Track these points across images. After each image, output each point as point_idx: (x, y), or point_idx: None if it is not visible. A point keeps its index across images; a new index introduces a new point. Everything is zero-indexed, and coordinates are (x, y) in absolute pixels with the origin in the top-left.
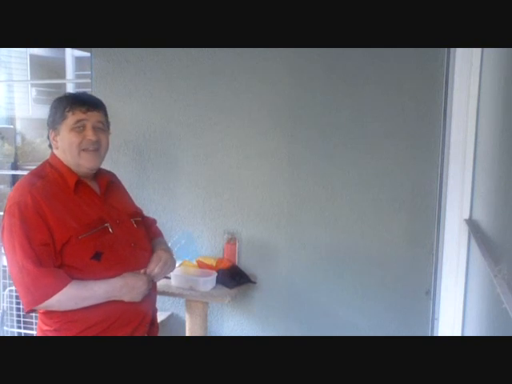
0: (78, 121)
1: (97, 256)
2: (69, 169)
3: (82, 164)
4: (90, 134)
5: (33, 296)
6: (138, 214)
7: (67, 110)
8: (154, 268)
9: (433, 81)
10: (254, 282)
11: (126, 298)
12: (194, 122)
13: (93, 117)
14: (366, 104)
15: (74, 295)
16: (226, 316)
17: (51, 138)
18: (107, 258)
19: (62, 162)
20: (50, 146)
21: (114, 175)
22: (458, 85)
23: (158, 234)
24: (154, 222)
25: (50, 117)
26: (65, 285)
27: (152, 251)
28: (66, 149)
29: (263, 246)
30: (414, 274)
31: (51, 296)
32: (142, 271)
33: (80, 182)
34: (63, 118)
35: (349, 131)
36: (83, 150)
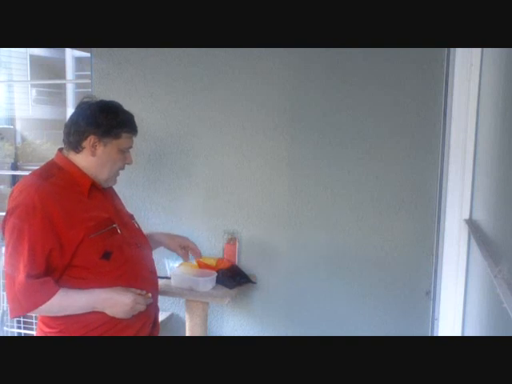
0: (130, 147)
1: (106, 255)
2: (81, 171)
3: (108, 181)
4: (130, 159)
5: (20, 304)
6: (133, 216)
7: (125, 130)
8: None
9: (433, 81)
10: (254, 282)
11: (108, 312)
12: (194, 122)
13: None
14: (366, 104)
15: (56, 304)
16: (225, 316)
17: (89, 143)
18: (116, 257)
19: (74, 165)
20: (75, 147)
21: None
22: (457, 85)
23: None
24: None
25: (94, 121)
26: (51, 296)
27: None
28: (107, 164)
29: (263, 246)
30: (414, 274)
31: (37, 307)
32: (145, 292)
33: (92, 185)
34: (117, 136)
35: (349, 131)
36: (120, 169)
